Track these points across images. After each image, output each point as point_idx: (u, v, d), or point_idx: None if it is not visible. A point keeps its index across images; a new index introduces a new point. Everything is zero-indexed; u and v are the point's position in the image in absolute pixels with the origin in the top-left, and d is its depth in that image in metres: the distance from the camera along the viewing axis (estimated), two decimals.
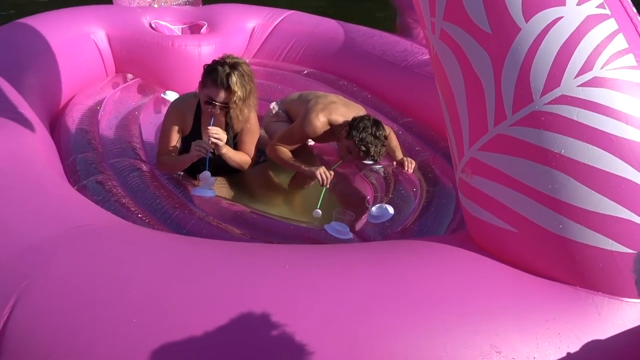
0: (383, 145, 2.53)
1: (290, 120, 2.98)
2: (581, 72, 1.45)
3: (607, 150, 1.43)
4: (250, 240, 2.09)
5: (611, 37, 1.46)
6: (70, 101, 3.16)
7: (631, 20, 1.54)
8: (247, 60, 3.89)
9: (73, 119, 2.92)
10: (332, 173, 2.53)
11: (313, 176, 2.53)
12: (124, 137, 2.81)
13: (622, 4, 1.54)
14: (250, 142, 2.63)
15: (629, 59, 1.47)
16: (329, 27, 3.97)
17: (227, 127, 2.54)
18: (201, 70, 2.45)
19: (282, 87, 3.59)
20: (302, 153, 2.83)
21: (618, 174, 1.43)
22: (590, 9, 1.48)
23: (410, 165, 2.72)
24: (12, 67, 2.75)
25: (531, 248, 1.55)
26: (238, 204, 2.41)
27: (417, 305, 1.42)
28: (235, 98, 2.36)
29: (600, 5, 1.49)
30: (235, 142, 2.61)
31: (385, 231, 2.26)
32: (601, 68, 1.45)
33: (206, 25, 3.97)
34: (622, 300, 1.48)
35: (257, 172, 2.82)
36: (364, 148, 2.47)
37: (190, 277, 1.43)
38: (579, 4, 1.48)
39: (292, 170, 2.76)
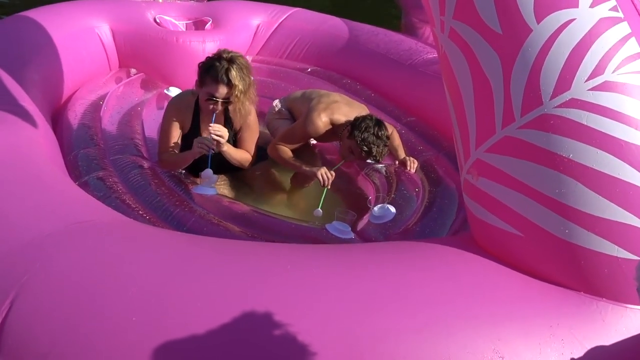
0: (385, 146, 2.52)
1: (293, 118, 2.97)
2: (592, 75, 1.44)
3: (616, 155, 1.42)
4: (251, 239, 2.09)
5: (623, 40, 1.45)
6: (73, 95, 3.14)
7: None
8: (251, 57, 3.93)
9: (75, 114, 2.91)
10: (334, 173, 2.52)
11: (314, 176, 2.52)
12: (126, 133, 2.80)
13: (635, 7, 1.52)
14: (250, 139, 2.63)
15: None
16: (333, 25, 3.96)
17: (227, 124, 2.53)
18: None
19: (285, 85, 3.58)
20: (304, 152, 2.83)
21: (626, 180, 1.42)
22: (603, 11, 1.46)
23: (413, 165, 2.71)
24: (14, 61, 2.74)
25: (536, 252, 1.54)
26: (239, 202, 2.41)
27: (420, 308, 1.41)
28: (236, 92, 2.36)
29: (614, 8, 1.47)
30: (235, 139, 2.60)
31: (387, 231, 2.26)
32: (612, 72, 1.43)
33: (211, 22, 3.96)
34: (626, 307, 1.47)
35: (259, 171, 2.81)
36: (365, 148, 2.46)
37: (191, 275, 1.43)
38: (592, 6, 1.46)
39: (294, 170, 2.75)
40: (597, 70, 1.44)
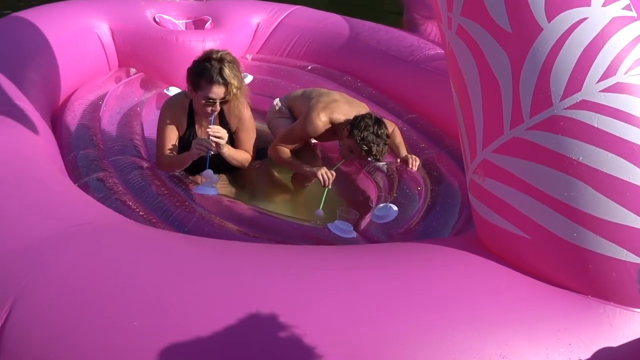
0: (385, 144, 2.50)
1: (294, 117, 2.96)
2: (604, 77, 1.41)
3: (627, 159, 1.40)
4: (252, 239, 2.07)
5: (636, 41, 1.42)
6: (72, 95, 3.13)
7: None
8: (251, 56, 3.92)
9: (75, 114, 2.90)
10: (334, 173, 2.51)
11: (314, 177, 2.52)
12: (125, 133, 2.79)
13: None
14: (248, 139, 2.63)
15: None
16: (334, 22, 3.95)
17: (223, 125, 2.54)
18: None
19: (286, 84, 3.57)
20: (304, 151, 2.81)
21: (637, 184, 1.40)
22: (616, 10, 1.43)
23: (415, 163, 2.68)
24: (13, 60, 2.73)
25: (543, 255, 1.52)
26: (240, 202, 2.39)
27: (425, 310, 1.39)
28: (233, 89, 2.37)
29: (627, 7, 1.44)
30: (232, 140, 2.60)
31: (389, 231, 2.24)
32: (625, 74, 1.40)
33: (210, 21, 3.95)
34: (634, 311, 1.45)
35: (260, 170, 2.81)
36: (365, 147, 2.45)
37: (191, 277, 1.42)
38: (604, 4, 1.43)
39: (294, 171, 2.74)
40: (609, 72, 1.41)
